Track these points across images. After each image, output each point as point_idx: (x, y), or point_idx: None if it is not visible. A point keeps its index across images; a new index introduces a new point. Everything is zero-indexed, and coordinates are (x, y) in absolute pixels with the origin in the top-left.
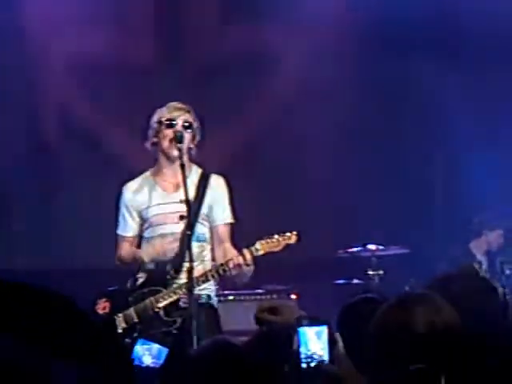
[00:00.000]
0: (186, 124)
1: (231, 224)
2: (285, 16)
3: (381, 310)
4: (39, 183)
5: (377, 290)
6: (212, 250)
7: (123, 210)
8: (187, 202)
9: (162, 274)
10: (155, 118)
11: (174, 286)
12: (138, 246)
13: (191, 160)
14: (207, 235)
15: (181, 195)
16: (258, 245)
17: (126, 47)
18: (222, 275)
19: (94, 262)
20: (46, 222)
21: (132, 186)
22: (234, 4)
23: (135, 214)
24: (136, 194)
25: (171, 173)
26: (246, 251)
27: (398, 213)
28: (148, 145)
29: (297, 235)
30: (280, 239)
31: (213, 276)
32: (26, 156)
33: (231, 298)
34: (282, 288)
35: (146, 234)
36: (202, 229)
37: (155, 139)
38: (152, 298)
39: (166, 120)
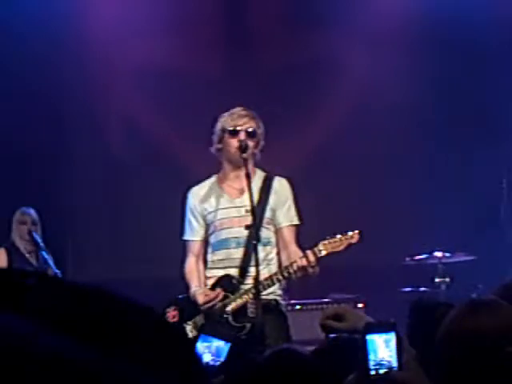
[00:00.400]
0: (250, 131)
1: (296, 226)
2: (349, 22)
3: (450, 317)
4: (107, 194)
5: (444, 298)
6: (278, 253)
7: (189, 214)
8: (253, 211)
9: (228, 279)
10: (219, 126)
11: (241, 291)
12: (205, 252)
13: (255, 164)
14: (272, 239)
15: (245, 200)
16: (320, 245)
17: (194, 57)
18: (287, 278)
19: (161, 270)
20: (115, 233)
21: (197, 190)
22: (298, 12)
23: (201, 219)
24: (201, 198)
25: (236, 178)
26: (309, 253)
27: (465, 219)
28: (213, 150)
29: (359, 234)
30: (342, 239)
31: (278, 279)
32: (92, 168)
33: (298, 307)
34: (349, 297)
35: (211, 239)
36: (266, 233)
37: (220, 145)
38: (220, 304)
39: (230, 128)
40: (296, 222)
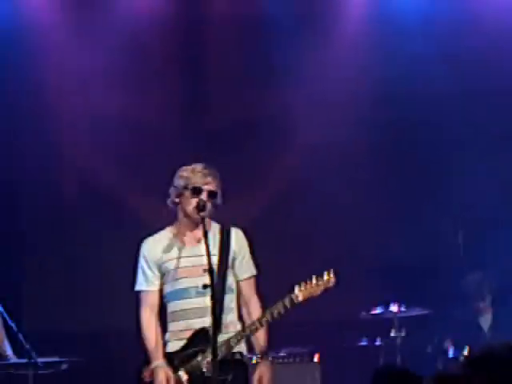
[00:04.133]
0: (213, 191)
1: (255, 276)
2: (303, 80)
3: None
4: (58, 240)
5: (399, 352)
6: (238, 303)
7: (143, 264)
8: (210, 271)
9: (204, 333)
10: (181, 182)
11: (218, 343)
12: (160, 303)
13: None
14: (234, 286)
15: (202, 249)
16: (296, 291)
17: (150, 109)
18: (249, 335)
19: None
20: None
21: (152, 240)
22: (255, 68)
23: (156, 269)
24: (157, 248)
25: (191, 228)
26: (266, 316)
27: (419, 274)
28: (169, 202)
29: (334, 276)
30: (319, 283)
31: (247, 335)
32: (46, 214)
33: (253, 360)
34: (304, 351)
35: (167, 289)
36: (230, 281)
37: (177, 200)
38: (199, 358)
39: (193, 187)
40: (254, 272)
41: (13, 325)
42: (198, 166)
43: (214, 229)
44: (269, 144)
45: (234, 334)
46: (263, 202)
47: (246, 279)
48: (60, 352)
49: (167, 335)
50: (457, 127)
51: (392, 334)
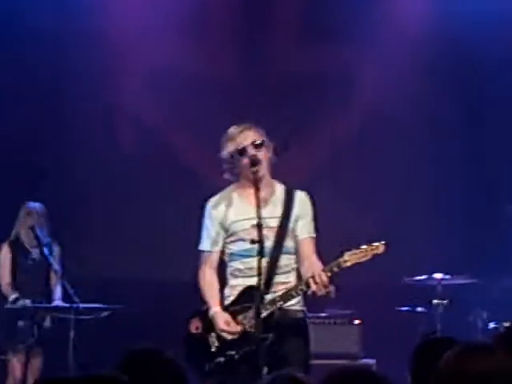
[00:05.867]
0: (256, 143)
1: (314, 238)
2: (364, 35)
3: (444, 359)
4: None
5: (440, 320)
6: (298, 263)
7: (208, 224)
8: (259, 226)
9: (252, 292)
10: (225, 154)
11: (264, 302)
12: (221, 263)
13: (273, 177)
14: (294, 249)
15: (266, 211)
16: (346, 256)
17: (208, 61)
18: (306, 291)
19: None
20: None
21: (218, 200)
22: (314, 25)
23: (221, 229)
24: (223, 208)
25: (252, 188)
26: (324, 272)
27: (467, 242)
28: (228, 176)
29: (384, 245)
30: (368, 249)
31: (297, 293)
32: (103, 169)
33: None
34: (345, 313)
35: (232, 248)
36: (290, 242)
37: (232, 170)
38: (241, 316)
39: (237, 150)
40: (314, 234)
41: (58, 269)
42: (231, 130)
43: (278, 189)
44: (331, 100)
45: (281, 293)
46: (324, 156)
47: (306, 238)
48: (110, 300)
49: (226, 290)
50: None
51: (434, 301)
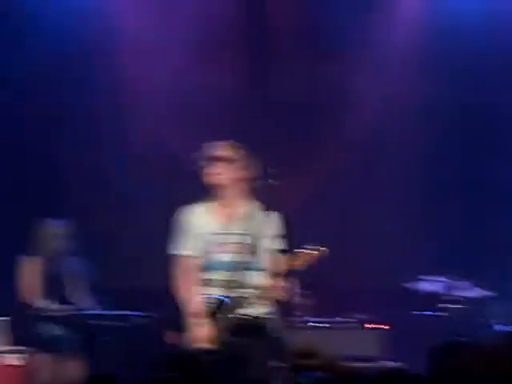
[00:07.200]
0: (225, 158)
1: (281, 252)
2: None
3: (462, 361)
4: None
5: (458, 324)
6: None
7: (184, 229)
8: (225, 241)
9: (218, 305)
10: (201, 167)
11: (229, 310)
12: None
13: (248, 194)
14: (260, 265)
15: (234, 227)
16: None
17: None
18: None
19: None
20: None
21: (194, 209)
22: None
23: (196, 236)
24: (195, 218)
25: (225, 203)
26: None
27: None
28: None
29: (321, 250)
30: (310, 253)
31: (261, 302)
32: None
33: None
34: (362, 317)
35: (201, 259)
36: (257, 258)
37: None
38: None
39: (207, 157)
40: (282, 248)
41: (84, 277)
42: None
43: (248, 206)
44: (332, 120)
45: (245, 302)
46: (321, 176)
47: (270, 252)
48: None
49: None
50: None
51: (451, 306)
